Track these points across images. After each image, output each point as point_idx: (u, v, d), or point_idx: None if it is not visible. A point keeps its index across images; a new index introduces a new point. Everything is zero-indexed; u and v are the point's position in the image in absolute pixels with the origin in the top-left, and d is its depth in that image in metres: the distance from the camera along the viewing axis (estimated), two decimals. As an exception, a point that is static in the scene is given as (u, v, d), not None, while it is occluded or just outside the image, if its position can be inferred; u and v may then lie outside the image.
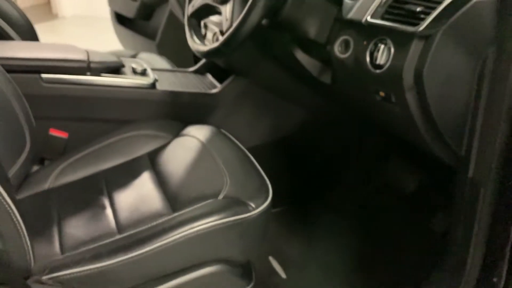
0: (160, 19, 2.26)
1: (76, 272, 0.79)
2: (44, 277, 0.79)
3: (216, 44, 0.95)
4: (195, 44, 1.06)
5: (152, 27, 2.34)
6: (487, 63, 0.82)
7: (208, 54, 1.00)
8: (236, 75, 1.34)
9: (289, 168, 1.47)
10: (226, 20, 0.94)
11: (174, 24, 2.13)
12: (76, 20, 4.87)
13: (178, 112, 1.26)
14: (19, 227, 0.72)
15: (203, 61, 1.51)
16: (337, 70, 1.04)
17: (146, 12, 2.36)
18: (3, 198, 0.69)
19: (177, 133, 1.17)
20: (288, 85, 1.34)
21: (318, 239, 1.37)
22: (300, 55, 1.17)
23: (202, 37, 1.14)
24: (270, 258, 1.28)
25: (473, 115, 0.87)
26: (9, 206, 0.70)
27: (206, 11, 1.07)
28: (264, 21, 1.02)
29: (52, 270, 0.79)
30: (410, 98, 0.87)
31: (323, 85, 1.15)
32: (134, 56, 1.85)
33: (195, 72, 1.49)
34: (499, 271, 0.90)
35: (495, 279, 0.91)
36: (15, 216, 0.71)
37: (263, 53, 1.28)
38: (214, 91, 1.32)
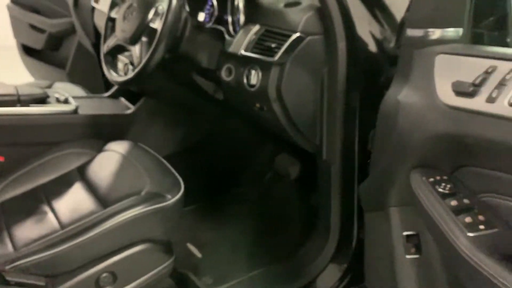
0: (69, 49, 2.40)
1: (32, 260, 1.02)
2: (7, 267, 1.01)
3: (130, 76, 1.23)
4: (112, 77, 1.33)
5: (61, 56, 2.47)
6: (324, 78, 1.19)
7: (124, 83, 1.28)
8: (147, 97, 1.61)
9: (200, 170, 1.75)
10: (137, 57, 1.23)
11: (83, 53, 2.28)
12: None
13: (100, 132, 1.49)
14: None
15: (115, 87, 1.76)
16: (225, 89, 1.37)
17: (55, 43, 2.49)
18: None
19: (100, 149, 1.41)
20: (192, 102, 1.64)
21: (228, 225, 1.68)
22: (198, 79, 1.48)
23: (116, 69, 1.41)
24: (188, 244, 1.56)
25: (320, 115, 1.24)
26: None
27: (118, 50, 1.34)
28: (168, 55, 1.31)
29: (12, 261, 1.01)
30: (276, 107, 1.21)
31: (218, 101, 1.47)
32: (50, 86, 2.02)
33: (110, 96, 1.73)
34: (351, 227, 1.26)
35: (353, 232, 1.27)
36: None
37: (169, 78, 1.57)
38: (128, 112, 1.57)
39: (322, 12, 1.13)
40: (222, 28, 1.35)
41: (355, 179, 1.22)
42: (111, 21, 1.38)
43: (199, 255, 1.52)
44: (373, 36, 1.15)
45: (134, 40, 1.24)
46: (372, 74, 1.17)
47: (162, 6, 1.19)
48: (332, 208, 1.29)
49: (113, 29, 1.35)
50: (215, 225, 1.68)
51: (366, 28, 1.14)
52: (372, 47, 1.17)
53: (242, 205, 1.75)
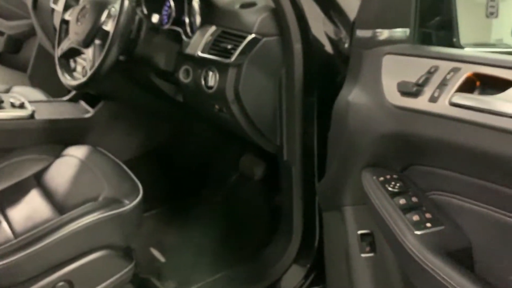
0: (30, 52, 2.35)
1: None
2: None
3: (83, 79, 1.21)
4: (66, 80, 1.30)
5: (22, 59, 2.41)
6: (282, 79, 1.19)
7: (78, 87, 1.25)
8: (107, 100, 1.58)
9: (163, 173, 1.74)
10: (90, 60, 1.20)
11: (44, 55, 2.22)
12: None
13: (58, 137, 1.46)
14: None
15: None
16: (184, 91, 1.36)
17: (14, 46, 2.43)
18: None
19: (58, 155, 1.38)
20: (153, 105, 1.62)
21: (193, 228, 1.67)
22: (157, 81, 1.46)
23: (72, 72, 1.37)
24: (151, 249, 1.54)
25: (280, 116, 1.24)
26: None
27: (72, 53, 1.31)
28: (123, 58, 1.29)
29: None
30: (235, 109, 1.20)
31: (179, 103, 1.45)
32: (8, 91, 1.96)
33: (70, 100, 1.69)
34: (313, 227, 1.27)
35: (315, 232, 1.28)
36: None
37: (128, 81, 1.54)
38: (87, 115, 1.54)
39: (277, 13, 1.13)
40: (180, 30, 1.34)
41: (315, 179, 1.23)
42: (65, 23, 1.34)
43: (162, 259, 1.50)
44: (328, 37, 1.16)
45: (87, 42, 1.21)
46: (329, 74, 1.18)
47: (115, 8, 1.17)
48: (294, 209, 1.29)
49: (67, 31, 1.32)
50: (179, 229, 1.66)
51: (321, 29, 1.15)
52: (328, 47, 1.17)
53: (207, 208, 1.74)
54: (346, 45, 1.16)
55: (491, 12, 1.10)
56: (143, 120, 1.66)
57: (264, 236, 1.54)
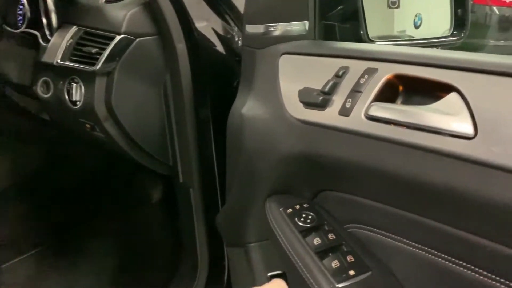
0: None
1: None
2: None
3: None
4: None
5: None
6: (167, 87, 0.98)
7: None
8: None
9: (43, 205, 1.44)
10: None
11: None
12: None
13: None
14: None
15: None
16: (47, 108, 1.09)
17: None
18: None
19: None
20: (18, 126, 1.32)
21: (83, 267, 1.40)
22: (17, 97, 1.17)
23: None
24: None
25: (169, 131, 1.03)
26: None
27: None
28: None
29: None
30: (109, 127, 0.97)
31: (48, 121, 1.18)
32: None
33: None
34: (221, 257, 1.08)
35: (224, 263, 1.09)
36: None
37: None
38: None
39: (150, 8, 0.91)
40: (37, 33, 1.07)
41: (219, 203, 1.04)
42: None
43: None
44: (218, 35, 0.97)
45: None
46: (222, 79, 0.99)
47: None
48: (198, 238, 1.10)
49: None
50: (65, 271, 1.38)
51: (208, 25, 0.96)
52: (219, 47, 0.98)
53: (100, 240, 1.47)
54: (240, 44, 0.98)
55: (393, 2, 1.00)
56: (9, 145, 1.35)
57: (167, 268, 1.32)
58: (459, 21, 0.84)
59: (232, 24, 1.01)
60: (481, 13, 3.31)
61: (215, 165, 1.02)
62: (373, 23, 1.00)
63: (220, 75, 1.00)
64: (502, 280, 0.48)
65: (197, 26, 0.94)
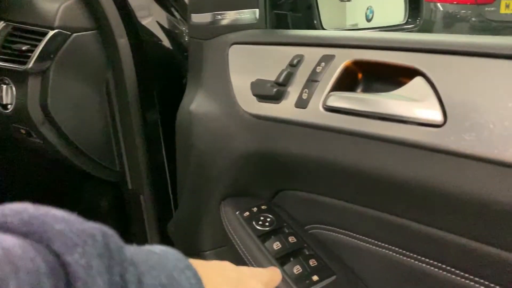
0: None
1: None
2: None
3: None
4: None
5: None
6: (110, 86, 0.91)
7: None
8: None
9: None
10: None
11: None
12: None
13: None
14: None
15: None
16: (-25, 113, 0.98)
17: None
18: None
19: None
20: None
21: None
22: None
23: None
24: None
25: (115, 134, 0.96)
26: None
27: None
28: None
29: None
30: (46, 132, 0.89)
31: None
32: None
33: None
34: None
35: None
36: None
37: None
38: None
39: (86, 0, 0.83)
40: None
41: (172, 210, 0.98)
42: None
43: None
44: (163, 28, 0.90)
45: None
46: (170, 75, 0.93)
47: None
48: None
49: None
50: None
51: (152, 18, 0.89)
52: (165, 42, 0.92)
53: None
54: (187, 38, 0.92)
55: (345, -5, 0.98)
56: None
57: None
58: (413, 9, 0.82)
59: (178, 17, 0.94)
60: (427, 8, 3.40)
61: (166, 169, 0.96)
62: (326, 16, 0.97)
63: (167, 72, 0.94)
64: (472, 277, 0.45)
65: (139, 19, 0.87)
